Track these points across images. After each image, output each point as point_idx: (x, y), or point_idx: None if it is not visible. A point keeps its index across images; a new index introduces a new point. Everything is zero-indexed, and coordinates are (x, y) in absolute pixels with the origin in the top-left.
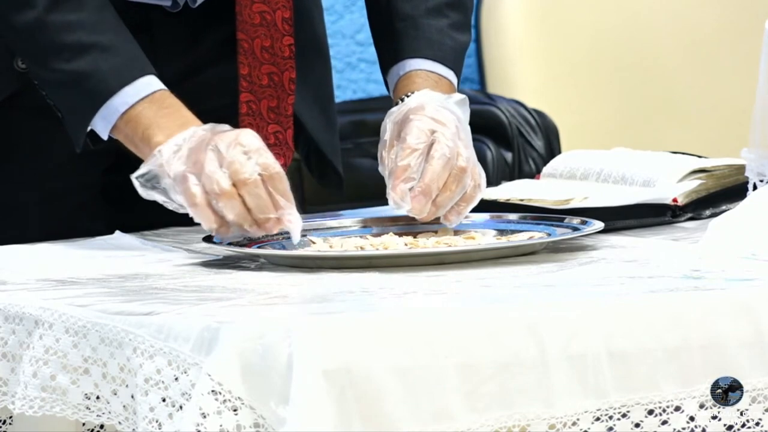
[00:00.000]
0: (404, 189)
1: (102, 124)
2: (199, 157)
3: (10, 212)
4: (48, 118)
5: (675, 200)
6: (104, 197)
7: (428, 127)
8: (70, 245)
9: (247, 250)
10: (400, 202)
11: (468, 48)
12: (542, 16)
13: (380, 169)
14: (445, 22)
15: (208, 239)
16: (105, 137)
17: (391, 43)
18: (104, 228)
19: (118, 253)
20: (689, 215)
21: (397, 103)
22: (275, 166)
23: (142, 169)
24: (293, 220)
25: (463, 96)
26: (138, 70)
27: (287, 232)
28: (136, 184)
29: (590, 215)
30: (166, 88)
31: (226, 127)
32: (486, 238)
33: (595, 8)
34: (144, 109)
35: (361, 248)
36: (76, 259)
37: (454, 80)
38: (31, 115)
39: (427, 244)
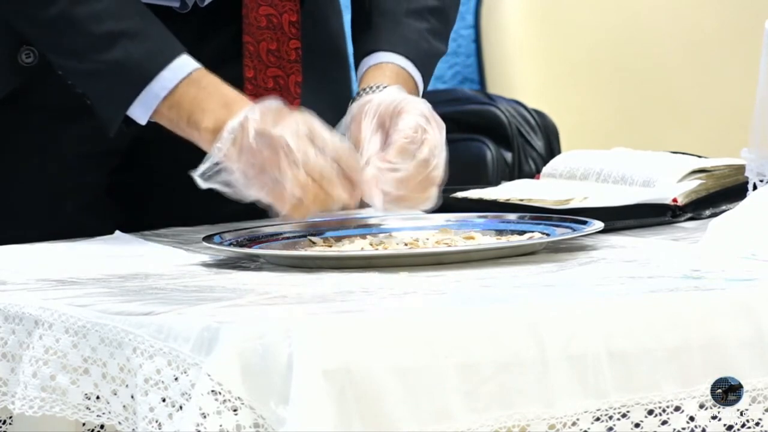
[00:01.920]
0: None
1: (141, 110)
2: (268, 156)
3: (15, 211)
4: (55, 118)
5: (675, 200)
6: (108, 197)
7: (423, 124)
8: (70, 245)
9: (247, 250)
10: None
11: (441, 57)
12: (542, 16)
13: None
14: (425, 26)
15: (208, 239)
16: (144, 122)
17: (368, 35)
18: (107, 227)
19: (118, 253)
20: (689, 215)
21: (364, 89)
22: (341, 145)
23: (204, 166)
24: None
25: (425, 101)
26: (170, 52)
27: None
28: (199, 182)
29: (590, 215)
30: (201, 66)
31: (277, 102)
32: (486, 238)
33: (595, 8)
34: (184, 93)
35: (361, 248)
36: (76, 259)
37: (421, 84)
38: (38, 114)
39: (427, 244)
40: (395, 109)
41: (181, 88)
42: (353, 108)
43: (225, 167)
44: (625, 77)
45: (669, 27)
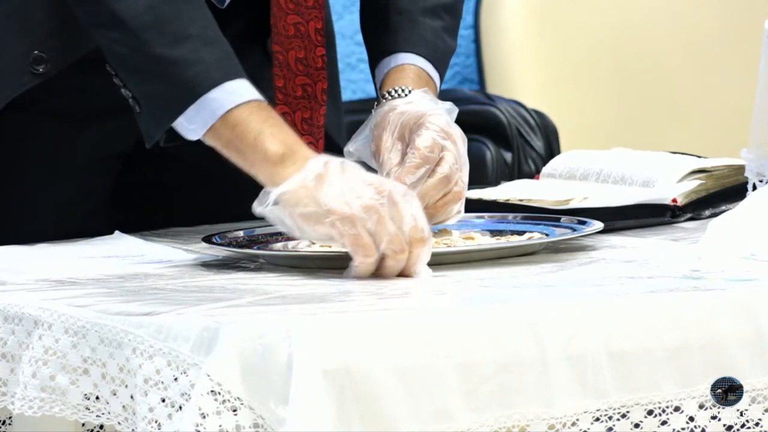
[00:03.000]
0: None
1: (200, 120)
2: (371, 205)
3: (22, 214)
4: (65, 124)
5: (675, 200)
6: (109, 198)
7: (441, 140)
8: (70, 245)
9: (246, 251)
10: None
11: (453, 54)
12: (542, 16)
13: (371, 161)
14: (440, 24)
15: (208, 239)
16: (195, 137)
17: (386, 36)
18: (107, 228)
19: (118, 253)
20: (689, 215)
21: (389, 92)
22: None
23: (285, 187)
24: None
25: (453, 105)
26: (239, 71)
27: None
28: (269, 205)
29: (590, 215)
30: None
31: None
32: (485, 239)
33: (595, 8)
34: (252, 114)
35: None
36: (76, 259)
37: (438, 83)
38: (47, 119)
39: None
40: (416, 123)
41: (249, 107)
42: (378, 114)
43: (306, 195)
44: (625, 77)
45: (669, 27)
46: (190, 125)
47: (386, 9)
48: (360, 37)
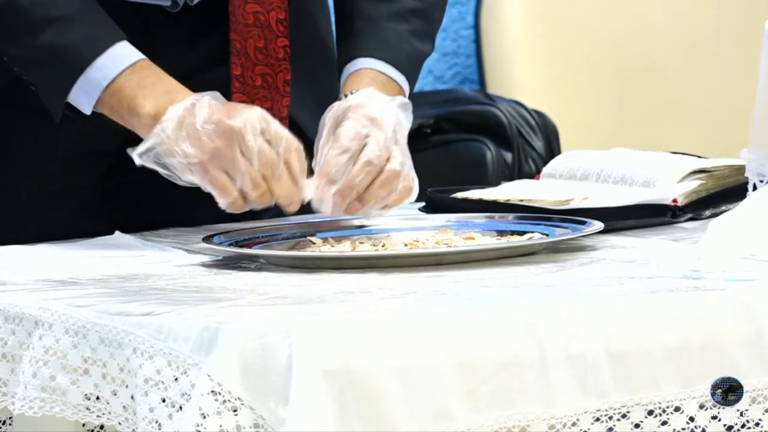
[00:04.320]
0: (327, 192)
1: (85, 99)
2: (220, 145)
3: (10, 213)
4: (46, 119)
5: (675, 200)
6: (105, 198)
7: (363, 128)
8: (70, 245)
9: (246, 251)
10: (319, 204)
11: (427, 58)
12: (542, 17)
13: (313, 162)
14: (406, 28)
15: (208, 239)
16: (88, 112)
17: (349, 41)
18: (104, 229)
19: (118, 253)
20: (689, 215)
21: (339, 99)
22: (293, 142)
23: (143, 146)
24: (310, 191)
25: (407, 100)
26: (109, 38)
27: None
28: (136, 159)
29: (590, 215)
30: (143, 56)
31: (220, 96)
32: (486, 239)
33: (595, 9)
34: (126, 81)
35: (355, 248)
36: (76, 259)
37: (406, 86)
38: (32, 115)
39: (426, 244)
40: (343, 115)
41: (123, 76)
42: (325, 116)
43: (166, 149)
44: (625, 77)
45: (669, 27)
46: (79, 103)
47: (352, 16)
48: None
